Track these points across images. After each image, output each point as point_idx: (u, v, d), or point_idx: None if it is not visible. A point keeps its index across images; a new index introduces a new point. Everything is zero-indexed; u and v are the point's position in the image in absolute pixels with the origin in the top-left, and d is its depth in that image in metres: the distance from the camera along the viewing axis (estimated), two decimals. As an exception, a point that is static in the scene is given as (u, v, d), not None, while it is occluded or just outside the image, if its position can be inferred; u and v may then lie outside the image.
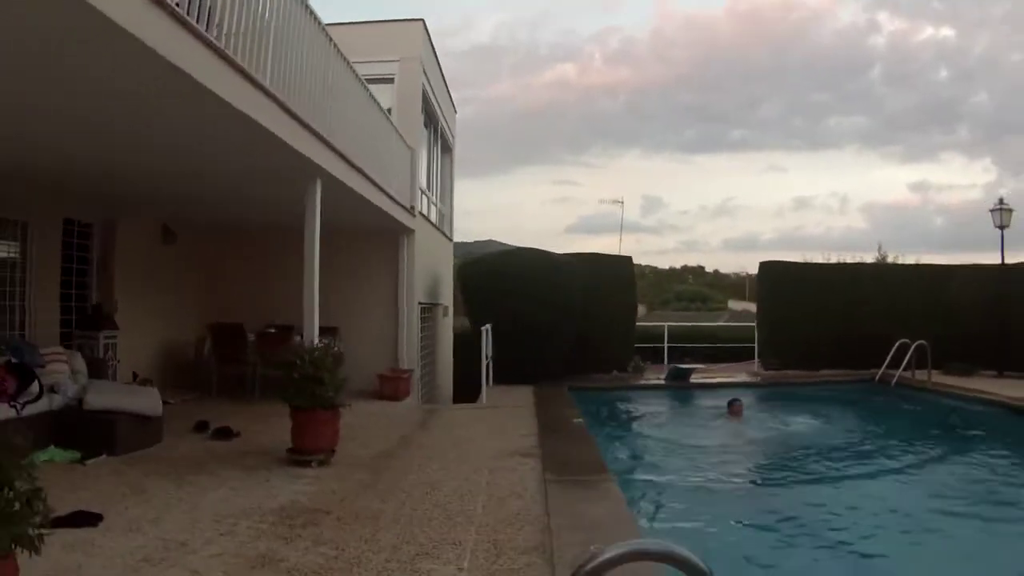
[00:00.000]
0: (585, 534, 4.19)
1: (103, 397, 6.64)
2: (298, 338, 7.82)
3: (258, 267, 11.56)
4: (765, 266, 16.27)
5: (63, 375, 6.92)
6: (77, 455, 6.00)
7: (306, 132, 6.14)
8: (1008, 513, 6.50)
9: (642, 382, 14.45)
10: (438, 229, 14.70)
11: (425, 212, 13.00)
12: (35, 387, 6.23)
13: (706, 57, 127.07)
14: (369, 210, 9.18)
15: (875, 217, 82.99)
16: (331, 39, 6.79)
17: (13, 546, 2.73)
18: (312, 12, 6.22)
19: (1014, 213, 14.45)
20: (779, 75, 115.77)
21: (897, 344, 13.14)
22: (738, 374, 15.48)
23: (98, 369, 7.95)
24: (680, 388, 13.85)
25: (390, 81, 11.77)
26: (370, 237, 11.51)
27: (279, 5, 5.58)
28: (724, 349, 18.06)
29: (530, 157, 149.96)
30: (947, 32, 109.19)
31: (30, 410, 6.05)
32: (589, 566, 1.82)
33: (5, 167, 6.78)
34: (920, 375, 12.96)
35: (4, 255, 8.02)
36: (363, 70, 8.13)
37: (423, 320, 12.61)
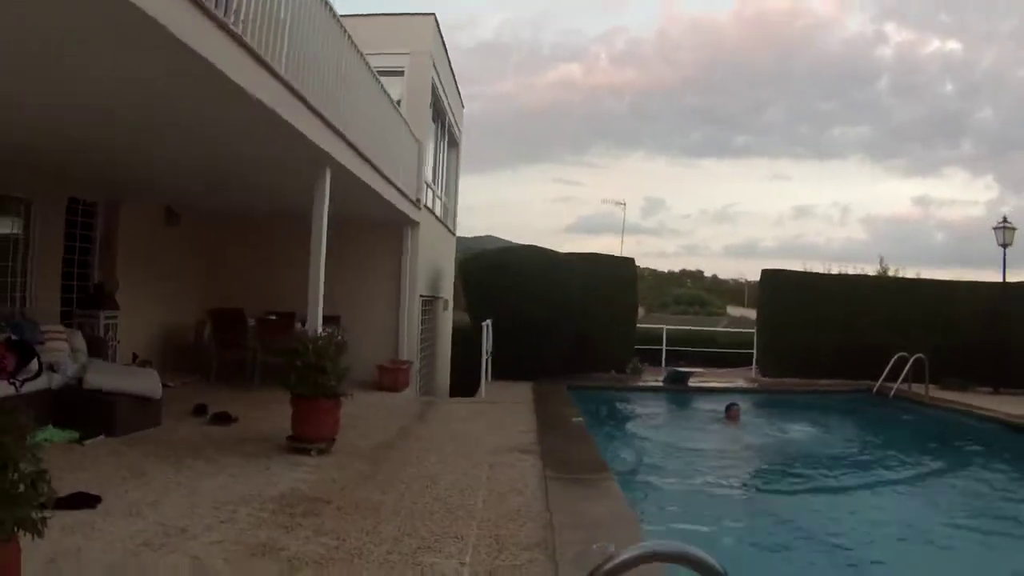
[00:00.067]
0: (587, 532, 4.18)
1: (103, 377, 6.57)
2: (299, 325, 7.81)
3: (261, 254, 11.53)
4: (767, 274, 16.27)
5: (63, 353, 6.87)
6: (75, 435, 5.94)
7: (319, 121, 6.13)
8: (1005, 527, 6.51)
9: (640, 384, 14.44)
10: (442, 223, 14.68)
11: (430, 205, 12.98)
12: (34, 364, 6.18)
13: (712, 60, 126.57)
14: (376, 201, 9.16)
15: (876, 229, 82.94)
16: (344, 29, 6.77)
17: (16, 529, 2.65)
18: (326, 1, 6.20)
19: (1016, 231, 14.47)
20: (785, 81, 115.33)
21: (895, 357, 13.14)
22: (736, 379, 15.47)
23: (98, 348, 7.89)
24: (678, 391, 13.85)
25: (400, 74, 11.77)
26: (375, 228, 11.49)
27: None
28: (722, 354, 18.07)
29: (533, 155, 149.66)
30: (954, 45, 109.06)
31: (29, 388, 6.00)
32: (607, 567, 1.80)
33: (10, 148, 6.74)
34: (917, 388, 12.96)
35: (7, 232, 7.97)
36: (374, 62, 8.09)
37: (424, 313, 12.60)
